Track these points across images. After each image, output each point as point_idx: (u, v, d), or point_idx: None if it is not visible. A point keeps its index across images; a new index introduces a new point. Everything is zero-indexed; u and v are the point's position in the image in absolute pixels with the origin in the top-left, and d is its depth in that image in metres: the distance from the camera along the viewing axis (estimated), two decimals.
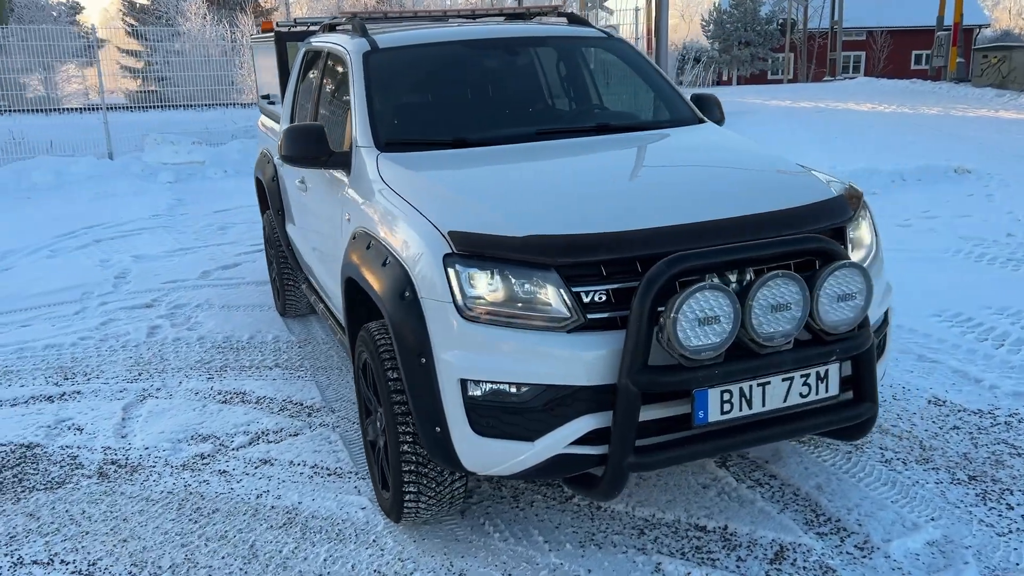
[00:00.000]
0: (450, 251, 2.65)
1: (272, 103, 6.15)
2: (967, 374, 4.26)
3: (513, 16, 4.86)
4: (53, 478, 3.78)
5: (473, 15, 4.74)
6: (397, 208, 3.02)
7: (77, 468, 3.86)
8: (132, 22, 38.40)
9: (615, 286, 2.57)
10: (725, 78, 50.50)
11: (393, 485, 3.00)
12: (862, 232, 3.05)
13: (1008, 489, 3.22)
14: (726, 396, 2.53)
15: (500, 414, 2.62)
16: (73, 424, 4.36)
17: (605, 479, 2.57)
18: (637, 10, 14.69)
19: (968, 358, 4.47)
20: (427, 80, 3.93)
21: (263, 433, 4.10)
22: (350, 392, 4.51)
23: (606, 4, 33.19)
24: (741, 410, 2.56)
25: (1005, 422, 3.76)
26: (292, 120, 4.94)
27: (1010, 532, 2.95)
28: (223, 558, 3.07)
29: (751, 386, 2.56)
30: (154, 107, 17.67)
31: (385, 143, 3.51)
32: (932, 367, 4.38)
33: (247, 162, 11.19)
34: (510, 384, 2.59)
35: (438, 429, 2.68)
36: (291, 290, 5.59)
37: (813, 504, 3.18)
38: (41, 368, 5.22)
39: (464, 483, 3.01)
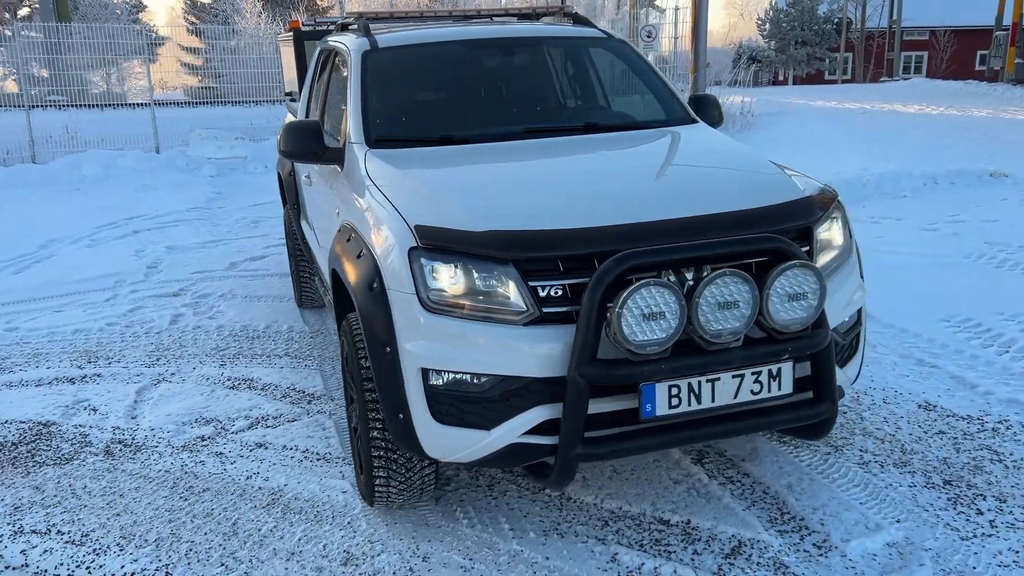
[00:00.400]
0: (415, 244, 2.75)
1: (294, 100, 6.33)
2: (964, 380, 4.21)
3: (519, 16, 4.94)
4: (63, 454, 3.98)
5: (479, 15, 4.83)
6: (376, 202, 3.13)
7: (86, 446, 4.06)
8: (194, 20, 39.49)
9: (571, 281, 2.64)
10: (781, 78, 49.79)
11: (365, 470, 3.11)
12: (832, 233, 3.06)
13: (981, 495, 3.20)
14: (674, 391, 2.58)
15: (459, 403, 2.71)
16: (89, 405, 4.58)
17: (555, 469, 2.65)
18: (677, 9, 14.61)
19: (969, 364, 4.41)
20: (422, 79, 4.04)
21: (263, 418, 4.25)
22: None
23: (656, 3, 33.02)
24: (690, 405, 2.61)
25: (992, 428, 3.72)
26: (307, 117, 5.10)
27: (974, 537, 2.94)
28: (205, 534, 3.22)
29: (700, 382, 2.60)
30: (208, 103, 18.16)
31: (376, 139, 3.63)
32: (930, 372, 4.35)
33: None
34: (468, 374, 2.68)
35: (401, 416, 2.78)
36: (307, 281, 5.77)
37: (780, 502, 3.20)
38: (68, 351, 5.48)
39: (434, 470, 3.10)
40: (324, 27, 6.10)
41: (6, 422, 4.40)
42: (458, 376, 2.70)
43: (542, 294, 2.65)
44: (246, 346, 5.38)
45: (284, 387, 4.66)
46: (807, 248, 2.90)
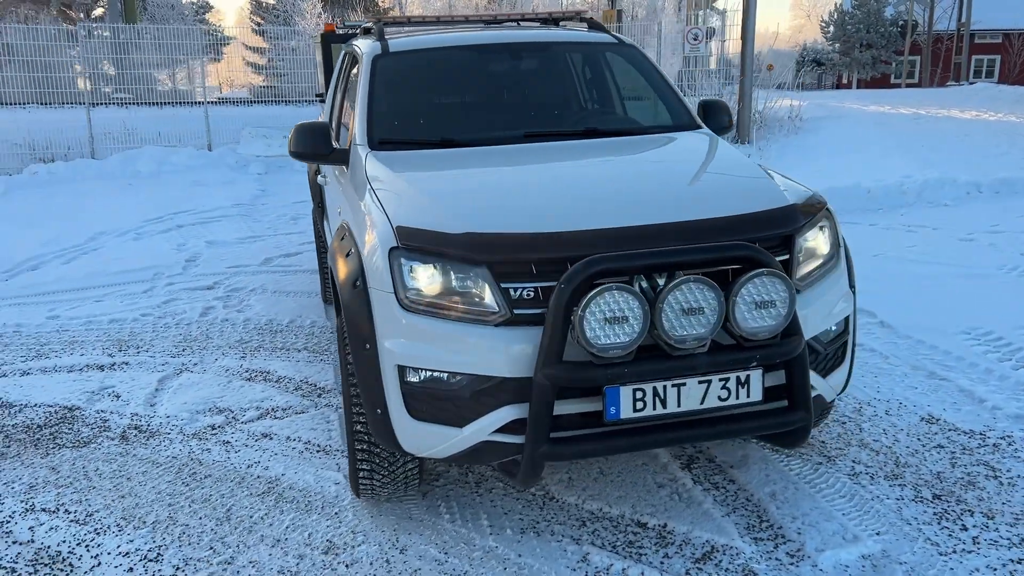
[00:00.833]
0: (395, 245, 2.84)
1: (324, 101, 6.49)
2: (973, 394, 4.13)
3: (536, 21, 4.99)
4: (82, 438, 4.18)
5: (495, 20, 4.90)
6: (370, 203, 3.23)
7: (104, 431, 4.25)
8: (259, 21, 40.43)
9: (543, 284, 2.69)
10: (845, 81, 48.73)
11: (350, 462, 3.21)
12: (817, 242, 3.05)
13: (970, 511, 3.15)
14: (639, 394, 2.61)
15: (433, 400, 2.79)
16: (113, 391, 4.78)
17: (521, 467, 2.70)
18: (724, 11, 14.43)
19: (981, 378, 4.32)
20: (429, 82, 4.13)
21: (272, 409, 4.39)
22: None
23: (714, 4, 32.63)
24: (655, 409, 2.64)
25: (994, 444, 3.65)
26: (330, 118, 5.24)
27: (953, 552, 2.90)
28: (200, 518, 3.35)
29: (665, 386, 2.63)
30: (272, 102, 18.61)
31: (378, 141, 3.73)
32: (939, 385, 4.27)
33: None
34: (441, 372, 2.75)
35: (379, 411, 2.86)
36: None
37: (761, 510, 3.20)
38: (102, 340, 5.71)
39: (417, 465, 3.18)
40: (353, 31, 6.23)
41: (36, 405, 4.62)
42: (433, 374, 2.77)
43: (514, 296, 2.70)
44: (268, 339, 5.54)
45: (298, 380, 4.80)
46: (786, 256, 2.89)
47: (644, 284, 2.67)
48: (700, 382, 2.65)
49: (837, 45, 46.53)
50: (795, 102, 13.97)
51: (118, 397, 4.70)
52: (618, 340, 2.54)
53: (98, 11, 34.23)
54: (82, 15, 31.86)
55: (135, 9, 24.59)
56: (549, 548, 3.01)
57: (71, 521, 3.38)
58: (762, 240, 2.84)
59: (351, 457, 3.18)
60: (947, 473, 3.43)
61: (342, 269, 3.11)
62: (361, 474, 3.16)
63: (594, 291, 2.50)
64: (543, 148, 3.65)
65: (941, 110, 14.29)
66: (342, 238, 3.32)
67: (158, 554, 3.11)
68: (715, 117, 4.18)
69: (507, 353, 2.67)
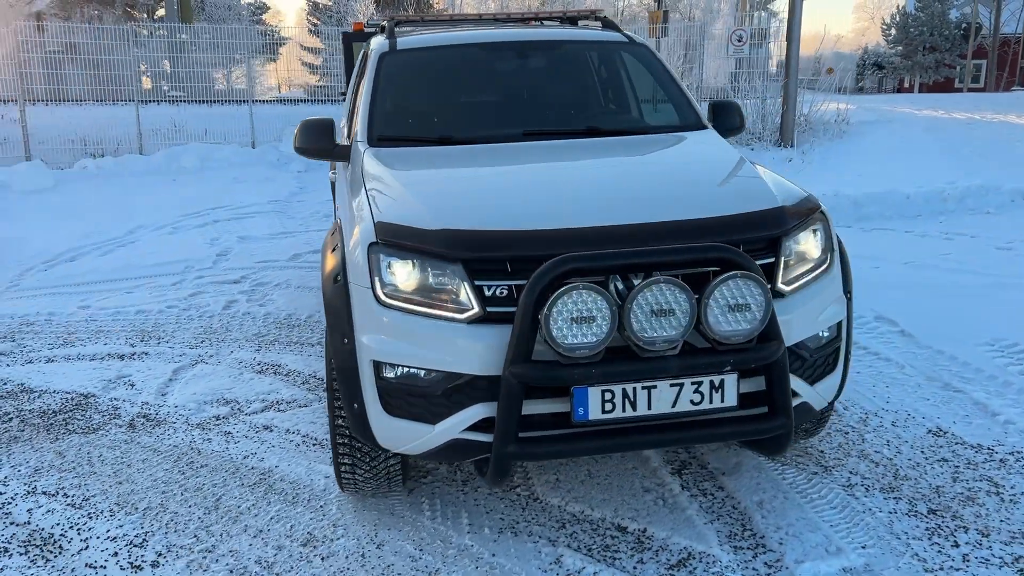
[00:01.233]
0: (375, 240, 2.84)
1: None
2: (987, 407, 3.98)
3: (551, 20, 4.97)
4: (92, 424, 4.28)
5: (509, 18, 4.89)
6: (361, 198, 3.24)
7: (114, 418, 4.35)
8: (315, 22, 41.11)
9: (517, 282, 2.67)
10: (907, 85, 47.51)
11: (333, 457, 3.23)
12: (807, 245, 2.97)
13: (964, 527, 3.04)
14: (607, 396, 2.57)
15: (407, 396, 2.79)
16: (129, 380, 4.89)
17: (489, 466, 2.68)
18: (770, 14, 14.16)
19: (998, 391, 4.17)
20: (432, 80, 4.14)
21: (277, 402, 4.45)
22: None
23: (770, 6, 32.18)
24: (624, 411, 2.59)
25: (1001, 459, 3.51)
26: (348, 115, 5.28)
27: (940, 570, 2.80)
28: (190, 507, 3.40)
29: (635, 388, 2.58)
30: (324, 101, 18.91)
31: (378, 138, 3.75)
32: (952, 396, 4.13)
33: None
34: (414, 368, 2.75)
35: (356, 406, 2.87)
36: None
37: (746, 519, 3.13)
38: (127, 330, 5.86)
39: (399, 461, 3.18)
40: (375, 30, 6.27)
41: (55, 391, 4.76)
42: (406, 370, 2.77)
43: (488, 294, 2.69)
44: (284, 333, 5.61)
45: (306, 374, 4.85)
46: (771, 260, 2.83)
47: (620, 285, 2.63)
48: (672, 385, 2.60)
49: (899, 48, 45.42)
50: (843, 105, 13.66)
51: (132, 386, 4.80)
52: (585, 340, 2.51)
53: (160, 11, 35.16)
54: (144, 15, 32.74)
55: (191, 10, 25.18)
56: (524, 549, 2.98)
57: (68, 505, 3.47)
58: (746, 242, 2.78)
59: (333, 451, 3.20)
60: (947, 488, 3.31)
61: (327, 263, 3.14)
62: (343, 469, 3.17)
63: (560, 290, 2.47)
64: (539, 147, 3.63)
65: (997, 115, 13.83)
66: (333, 233, 3.35)
67: (143, 540, 3.17)
68: (725, 118, 4.11)
69: (478, 351, 2.65)
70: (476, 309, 2.68)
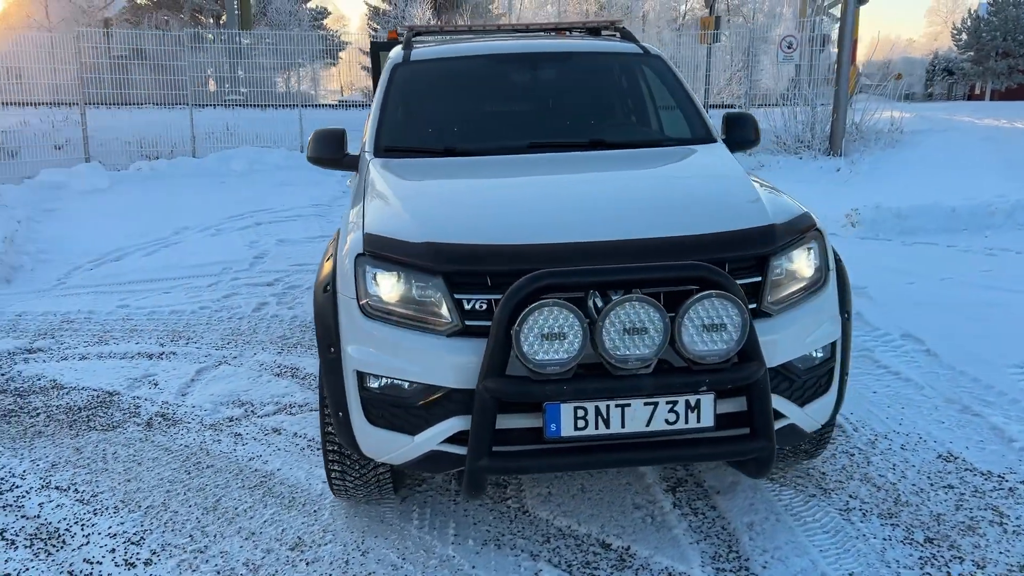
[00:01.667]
0: (362, 251, 2.88)
1: None
2: (1004, 432, 3.85)
3: (570, 30, 4.96)
4: (112, 422, 4.42)
5: (527, 29, 4.90)
6: (358, 208, 3.30)
7: (134, 416, 4.49)
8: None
9: (496, 297, 2.68)
10: (978, 91, 46.04)
11: (324, 463, 3.28)
12: (799, 264, 2.92)
13: (960, 557, 2.94)
14: (580, 413, 2.56)
15: (388, 407, 2.82)
16: (153, 379, 5.04)
17: (464, 479, 2.70)
18: (833, 19, 13.85)
19: (1020, 416, 4.02)
20: (442, 91, 4.17)
21: (289, 405, 4.53)
22: None
23: (832, 11, 31.44)
24: (597, 428, 2.58)
25: (1010, 488, 3.39)
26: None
27: None
28: (190, 507, 3.49)
29: (608, 406, 2.57)
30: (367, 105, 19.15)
31: (384, 148, 3.80)
32: (970, 420, 4.00)
33: None
34: (394, 380, 2.78)
35: (341, 414, 2.92)
36: None
37: (733, 540, 3.08)
38: (159, 329, 6.04)
39: (388, 469, 3.21)
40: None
41: (83, 388, 4.93)
42: (388, 381, 2.80)
43: (467, 307, 2.71)
44: (307, 337, 5.71)
45: None
46: (758, 278, 2.78)
47: (599, 302, 2.62)
48: (646, 404, 2.58)
49: (970, 54, 44.04)
50: (899, 114, 13.33)
51: (156, 385, 4.95)
52: (556, 357, 2.50)
53: (225, 17, 36.08)
54: (211, 20, 33.66)
55: (251, 16, 25.80)
56: (505, 562, 2.99)
57: (76, 500, 3.59)
58: (731, 261, 2.74)
59: (324, 458, 3.25)
60: (948, 516, 3.21)
61: (321, 272, 3.19)
62: (333, 475, 3.22)
63: (531, 306, 2.48)
64: (540, 159, 3.63)
65: None
66: (334, 240, 3.40)
67: (141, 538, 3.26)
68: (738, 131, 4.06)
69: (455, 364, 2.67)
70: (455, 322, 2.70)
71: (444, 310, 2.72)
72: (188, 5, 31.99)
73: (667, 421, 2.60)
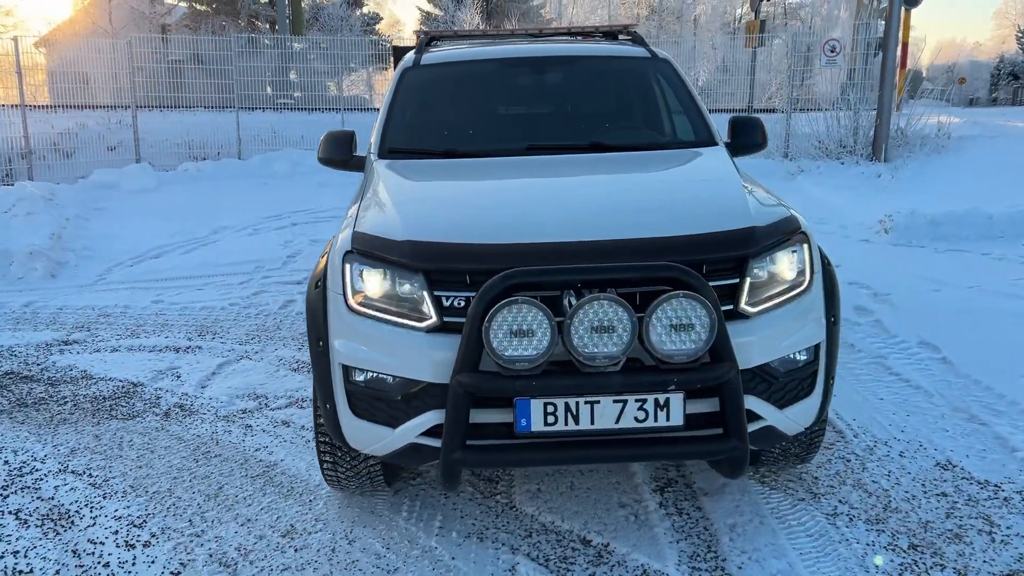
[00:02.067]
0: (350, 249, 2.98)
1: None
2: (1008, 442, 3.78)
3: (583, 34, 5.01)
4: (133, 411, 4.60)
5: (540, 34, 4.96)
6: (354, 207, 3.41)
7: (153, 407, 4.66)
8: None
9: (472, 294, 2.75)
10: None
11: (317, 455, 3.38)
12: (781, 266, 2.92)
13: (942, 565, 2.91)
14: (550, 408, 2.62)
15: (371, 400, 2.91)
16: (176, 372, 5.22)
17: (439, 471, 2.77)
18: (879, 21, 13.61)
19: None
20: (448, 94, 4.26)
21: (301, 399, 4.66)
22: None
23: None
24: (567, 424, 2.63)
25: (1005, 497, 3.34)
26: None
27: None
28: (193, 493, 3.63)
29: (578, 403, 2.61)
30: None
31: (388, 150, 3.90)
32: (975, 429, 3.94)
33: None
34: (378, 374, 2.87)
35: (329, 407, 3.02)
36: None
37: (713, 541, 3.09)
38: (188, 325, 6.24)
39: (379, 462, 3.30)
40: None
41: (110, 379, 5.13)
42: (372, 375, 2.89)
43: (446, 304, 2.78)
44: None
45: None
46: (736, 280, 2.80)
47: (574, 300, 2.67)
48: (615, 401, 2.62)
49: None
50: (948, 119, 13.04)
51: (178, 377, 5.13)
52: (525, 353, 2.56)
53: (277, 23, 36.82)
54: (267, 25, 34.38)
55: (302, 22, 26.32)
56: (485, 555, 3.05)
57: (89, 484, 3.75)
58: (709, 263, 2.76)
59: (317, 450, 3.35)
60: (936, 523, 3.17)
61: (316, 268, 3.29)
62: (325, 466, 3.32)
63: (500, 303, 2.54)
64: (536, 162, 3.69)
65: None
66: (332, 240, 3.51)
67: (144, 521, 3.40)
68: (744, 135, 4.07)
69: (433, 359, 2.74)
70: (434, 319, 2.78)
71: (424, 307, 2.80)
72: (245, 11, 32.73)
73: (636, 419, 2.63)
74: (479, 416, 2.72)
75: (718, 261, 2.79)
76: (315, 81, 18.84)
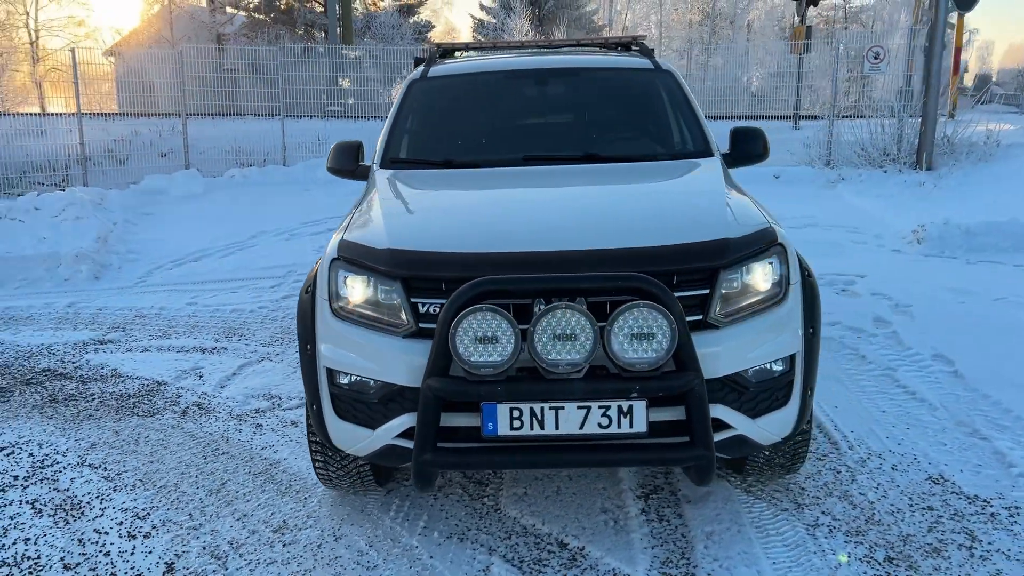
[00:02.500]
0: (336, 256, 3.11)
1: None
2: (1005, 457, 3.73)
3: (592, 46, 5.07)
4: (153, 409, 4.81)
5: (550, 45, 5.04)
6: (350, 215, 3.54)
7: (173, 405, 4.86)
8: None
9: (444, 301, 2.84)
10: None
11: (309, 453, 3.51)
12: (754, 277, 2.95)
13: None
14: (515, 413, 2.70)
15: (353, 402, 3.03)
16: (199, 372, 5.43)
17: (412, 472, 2.87)
18: (913, 29, 13.35)
19: None
20: (452, 105, 4.37)
21: None
22: None
23: (948, 18, 30.11)
24: (532, 429, 2.71)
25: (992, 513, 3.30)
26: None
27: None
28: (197, 488, 3.79)
29: (543, 408, 2.69)
30: None
31: (390, 160, 4.03)
32: (974, 444, 3.89)
33: None
34: (358, 376, 2.98)
35: (315, 408, 3.14)
36: None
37: (688, 548, 3.13)
38: (217, 326, 6.46)
39: (367, 462, 3.41)
40: None
41: (137, 377, 5.36)
42: (354, 378, 3.01)
43: (422, 311, 2.88)
44: None
45: None
46: (707, 291, 2.85)
47: (543, 308, 2.74)
48: (579, 407, 2.69)
49: None
50: (996, 126, 12.73)
51: (200, 377, 5.33)
52: (490, 359, 2.65)
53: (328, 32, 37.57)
54: (322, 34, 35.08)
55: (352, 30, 26.82)
56: (462, 555, 3.14)
57: (102, 477, 3.95)
58: (679, 273, 2.82)
59: (309, 449, 3.47)
60: (917, 537, 3.16)
61: (309, 275, 3.43)
62: (317, 465, 3.45)
63: (465, 310, 2.63)
64: (527, 172, 3.78)
65: None
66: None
67: (147, 513, 3.57)
68: (744, 145, 4.11)
69: (408, 363, 2.85)
70: (411, 324, 2.88)
71: (402, 313, 2.90)
72: (302, 20, 33.48)
73: (600, 425, 2.70)
74: (451, 420, 2.82)
75: (687, 272, 2.84)
76: (368, 90, 19.21)
